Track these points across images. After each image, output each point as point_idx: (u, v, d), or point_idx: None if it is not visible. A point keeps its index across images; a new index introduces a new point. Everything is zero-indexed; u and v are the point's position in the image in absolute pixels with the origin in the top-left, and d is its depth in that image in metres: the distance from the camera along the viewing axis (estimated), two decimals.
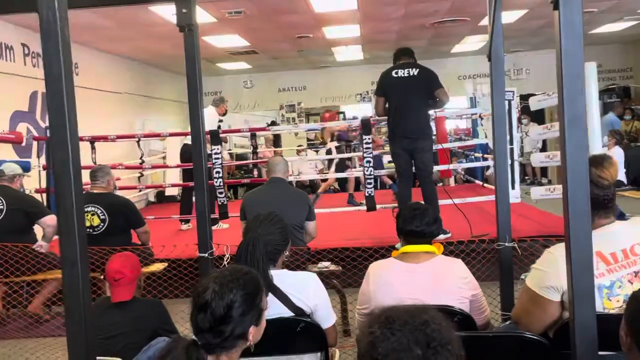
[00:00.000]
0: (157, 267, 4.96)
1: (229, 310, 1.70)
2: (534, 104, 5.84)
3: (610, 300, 2.06)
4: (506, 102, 5.76)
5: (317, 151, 12.73)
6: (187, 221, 7.15)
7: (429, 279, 2.52)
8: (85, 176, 3.99)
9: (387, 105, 5.58)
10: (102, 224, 4.78)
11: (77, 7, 2.79)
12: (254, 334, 1.77)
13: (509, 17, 9.06)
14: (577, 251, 1.79)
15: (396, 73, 5.49)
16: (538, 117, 11.77)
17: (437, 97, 5.45)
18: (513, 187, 6.37)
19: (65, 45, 1.76)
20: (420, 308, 1.30)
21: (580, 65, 1.79)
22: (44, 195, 6.69)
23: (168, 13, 7.26)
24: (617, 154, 8.49)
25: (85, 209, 4.53)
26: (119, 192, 6.33)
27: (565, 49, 1.78)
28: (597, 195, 2.15)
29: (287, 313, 2.38)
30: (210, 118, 7.51)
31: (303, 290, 2.44)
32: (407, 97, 5.40)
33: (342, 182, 10.37)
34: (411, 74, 5.44)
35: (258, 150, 10.12)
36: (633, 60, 13.67)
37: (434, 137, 6.28)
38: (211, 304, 1.70)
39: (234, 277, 1.76)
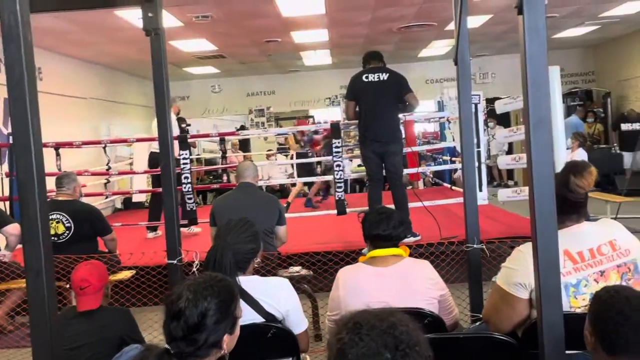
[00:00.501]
0: (125, 274, 4.89)
1: (203, 319, 1.68)
2: (499, 108, 5.93)
3: (576, 299, 2.10)
4: (472, 106, 5.83)
5: (286, 155, 12.72)
6: (154, 229, 6.98)
7: (397, 282, 2.53)
8: (50, 183, 3.93)
9: (357, 109, 5.60)
10: (67, 232, 4.69)
11: (40, 11, 2.74)
12: (228, 342, 1.75)
13: (474, 22, 9.20)
14: (543, 251, 1.82)
15: (366, 77, 5.52)
16: (504, 120, 11.96)
17: (407, 101, 5.50)
18: (480, 190, 6.45)
19: (27, 49, 1.73)
20: (387, 311, 1.30)
21: (544, 68, 1.83)
22: (7, 203, 6.53)
23: (134, 17, 7.18)
24: (581, 156, 8.67)
25: (50, 217, 4.44)
26: (84, 199, 6.22)
27: (530, 52, 1.81)
28: (571, 201, 2.20)
29: (258, 319, 2.36)
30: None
31: (274, 295, 2.43)
32: (378, 101, 5.44)
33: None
34: (381, 78, 5.48)
35: (227, 155, 10.08)
36: (594, 64, 14.00)
37: (403, 141, 6.32)
38: (185, 311, 1.68)
39: (208, 285, 1.74)
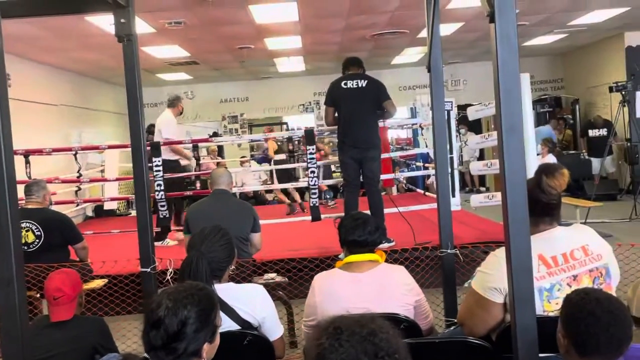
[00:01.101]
0: (97, 283, 4.81)
1: (182, 327, 1.67)
2: (471, 114, 6.00)
3: (549, 303, 2.13)
4: (445, 113, 5.89)
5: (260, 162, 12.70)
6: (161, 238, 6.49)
7: (373, 287, 2.54)
8: (19, 191, 3.86)
9: (336, 115, 5.63)
10: (37, 241, 4.60)
11: (10, 17, 2.70)
12: (208, 351, 1.74)
13: (446, 29, 9.31)
14: (517, 255, 1.85)
15: (345, 84, 5.55)
16: (475, 126, 12.12)
17: (385, 108, 5.54)
18: (453, 195, 6.50)
19: None
20: (367, 317, 1.31)
21: (516, 76, 1.86)
22: None
23: (105, 23, 7.11)
24: (550, 162, 8.84)
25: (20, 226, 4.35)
26: (55, 207, 6.12)
27: (502, 60, 1.84)
28: (544, 202, 2.23)
29: (234, 326, 2.35)
30: (169, 122, 7.01)
31: (250, 302, 2.42)
32: (356, 108, 5.47)
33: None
34: (360, 85, 5.51)
35: (201, 162, 10.00)
36: (563, 71, 14.27)
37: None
38: (164, 320, 1.66)
39: (188, 294, 1.72)
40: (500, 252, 2.19)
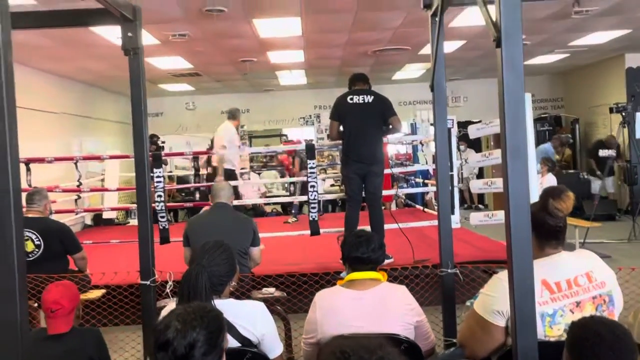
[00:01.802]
0: (95, 294, 4.80)
1: (191, 350, 1.65)
2: (472, 133, 6.01)
3: (552, 329, 2.13)
4: (447, 130, 5.91)
5: (259, 174, 12.71)
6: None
7: (375, 306, 2.53)
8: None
9: (341, 130, 5.64)
10: (37, 250, 4.60)
11: (20, 28, 2.72)
12: None
13: (448, 47, 9.34)
14: (519, 279, 1.85)
15: (351, 99, 5.56)
16: (475, 143, 12.15)
17: (390, 124, 5.56)
18: (453, 213, 6.51)
19: (8, 70, 1.73)
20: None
21: (521, 100, 1.88)
22: None
23: (109, 34, 7.15)
24: (550, 181, 8.83)
25: None
26: (54, 216, 6.11)
27: (507, 84, 1.86)
28: (550, 225, 2.23)
29: (234, 343, 2.34)
30: (233, 133, 7.43)
31: (250, 319, 2.41)
32: (362, 123, 5.48)
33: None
34: (366, 100, 5.53)
35: (202, 173, 10.02)
36: (563, 90, 14.33)
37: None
38: (173, 342, 1.65)
39: (197, 316, 1.71)
40: (503, 274, 2.19)
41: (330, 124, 5.85)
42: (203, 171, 10.19)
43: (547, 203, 2.24)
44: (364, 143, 5.48)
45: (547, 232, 2.23)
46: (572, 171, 12.13)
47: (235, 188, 7.30)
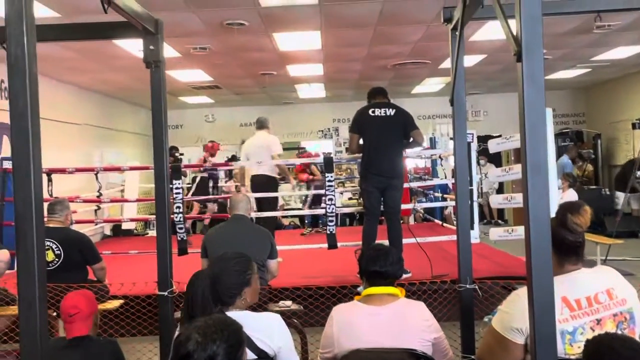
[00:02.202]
0: (113, 304, 4.83)
1: None
2: (492, 147, 5.97)
3: (572, 346, 2.10)
4: (466, 145, 5.88)
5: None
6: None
7: (393, 322, 2.51)
8: None
9: (361, 143, 5.63)
10: (56, 260, 4.64)
11: (44, 41, 2.76)
12: None
13: (468, 61, 9.33)
14: (539, 296, 1.82)
15: (373, 112, 5.55)
16: (495, 157, 12.06)
17: (412, 137, 5.54)
18: (472, 228, 6.47)
19: (32, 82, 1.75)
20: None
21: (542, 115, 1.86)
22: None
23: (131, 46, 7.24)
24: (571, 197, 8.72)
25: None
26: (74, 226, 6.16)
27: (528, 99, 1.84)
28: (570, 240, 2.21)
29: (250, 356, 2.34)
30: (276, 140, 7.48)
31: (266, 332, 2.40)
32: (384, 136, 5.46)
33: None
34: (388, 113, 5.51)
35: (221, 185, 10.07)
36: (585, 105, 14.21)
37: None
38: (193, 355, 1.65)
39: (218, 329, 1.71)
40: (522, 291, 2.16)
41: (350, 136, 5.83)
42: (232, 183, 10.21)
43: (566, 218, 2.22)
44: (385, 156, 5.45)
45: (567, 248, 2.21)
46: (593, 187, 11.99)
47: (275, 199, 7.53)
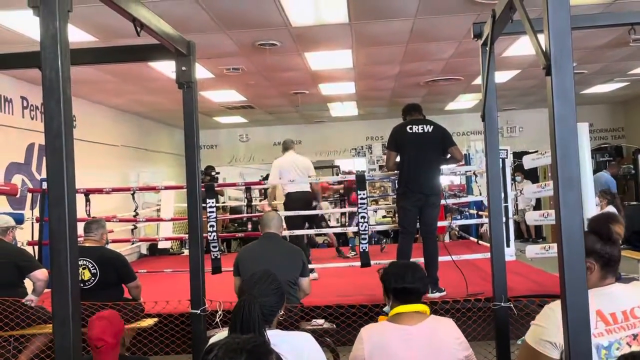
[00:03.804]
0: (148, 322, 4.88)
1: None
2: (527, 163, 5.89)
3: None
4: (500, 161, 5.81)
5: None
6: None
7: (424, 342, 2.48)
8: (79, 228, 3.99)
9: (397, 160, 5.61)
10: (93, 278, 4.73)
11: (78, 64, 2.84)
12: None
13: (501, 77, 9.25)
14: (573, 311, 1.78)
15: (410, 129, 5.53)
16: (531, 173, 11.87)
17: (450, 154, 5.50)
18: (508, 245, 6.36)
19: (66, 103, 1.79)
20: None
21: (573, 129, 1.83)
22: (36, 247, 6.62)
23: (166, 68, 7.39)
24: None
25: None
26: (111, 245, 6.27)
27: (558, 113, 1.81)
28: (610, 253, 2.17)
29: None
30: (306, 161, 7.60)
31: (298, 351, 2.39)
32: (422, 153, 5.44)
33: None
34: (426, 130, 5.49)
35: (255, 204, 10.14)
36: (624, 120, 13.91)
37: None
38: None
39: (239, 347, 1.68)
40: (555, 305, 2.11)
41: (387, 154, 5.80)
42: (266, 202, 10.30)
43: (607, 229, 2.17)
44: (424, 174, 5.41)
45: (607, 260, 2.16)
46: (634, 203, 11.68)
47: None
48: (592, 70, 9.32)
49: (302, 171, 7.30)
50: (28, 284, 5.07)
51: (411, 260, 5.25)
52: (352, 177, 8.75)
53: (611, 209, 8.46)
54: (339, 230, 9.34)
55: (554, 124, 1.81)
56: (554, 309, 2.13)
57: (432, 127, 5.51)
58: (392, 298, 2.66)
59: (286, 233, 6.59)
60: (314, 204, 7.72)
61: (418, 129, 5.49)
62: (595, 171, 9.39)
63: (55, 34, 1.77)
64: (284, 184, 7.51)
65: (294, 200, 7.30)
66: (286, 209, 7.42)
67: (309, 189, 7.31)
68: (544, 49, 1.87)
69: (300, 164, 7.42)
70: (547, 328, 2.12)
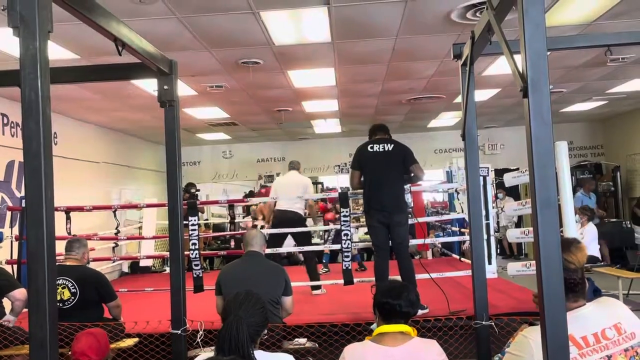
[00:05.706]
0: (128, 342, 4.81)
1: None
2: (508, 181, 5.93)
3: None
4: (481, 178, 5.86)
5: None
6: (317, 287, 7.02)
7: None
8: (59, 247, 3.94)
9: (362, 179, 5.66)
10: (72, 298, 4.66)
11: (59, 83, 2.83)
12: None
13: (481, 95, 9.36)
14: (552, 332, 1.79)
15: (372, 148, 5.60)
16: (514, 190, 11.97)
17: (412, 172, 5.55)
18: (490, 262, 6.39)
19: (46, 124, 1.78)
20: None
21: (549, 150, 1.85)
22: (15, 266, 6.53)
23: (149, 86, 7.38)
24: (591, 231, 8.60)
25: (57, 282, 4.41)
26: (92, 264, 6.20)
27: (535, 134, 1.84)
28: (570, 277, 2.17)
29: None
30: (305, 180, 7.61)
31: None
32: (383, 172, 5.49)
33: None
34: (386, 149, 5.55)
35: (238, 221, 10.10)
36: (602, 137, 14.11)
37: (410, 210, 6.33)
38: None
39: None
40: (530, 332, 2.13)
41: (351, 173, 5.87)
42: (249, 219, 10.26)
43: (563, 261, 2.19)
44: (386, 192, 5.46)
45: (574, 285, 2.17)
46: (614, 220, 11.82)
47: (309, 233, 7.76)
48: (571, 89, 9.47)
49: (296, 189, 7.29)
50: (6, 303, 4.98)
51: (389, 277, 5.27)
52: (335, 195, 8.84)
53: (591, 226, 8.57)
54: (321, 247, 9.29)
55: (531, 145, 1.83)
56: (528, 336, 2.14)
57: (392, 145, 5.58)
58: (379, 315, 2.66)
59: (269, 251, 6.56)
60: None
61: (379, 148, 5.56)
62: (574, 188, 9.49)
63: (35, 54, 1.77)
64: (273, 200, 7.47)
65: (276, 217, 7.30)
66: (271, 226, 7.40)
67: (296, 210, 7.26)
68: (520, 72, 1.90)
69: (296, 183, 7.43)
70: (523, 357, 2.13)
